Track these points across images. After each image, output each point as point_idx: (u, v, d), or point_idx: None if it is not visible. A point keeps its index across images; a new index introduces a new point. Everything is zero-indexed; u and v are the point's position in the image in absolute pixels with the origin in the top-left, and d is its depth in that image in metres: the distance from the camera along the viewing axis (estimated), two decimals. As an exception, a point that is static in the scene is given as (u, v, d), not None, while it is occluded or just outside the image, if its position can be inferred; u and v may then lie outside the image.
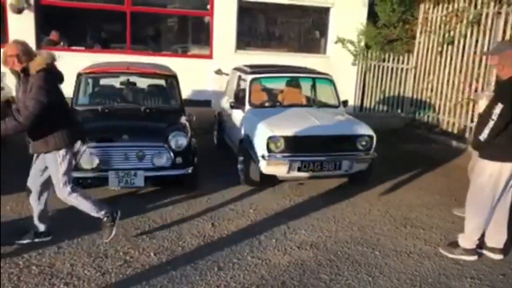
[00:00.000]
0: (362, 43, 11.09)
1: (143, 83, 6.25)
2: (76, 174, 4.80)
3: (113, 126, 5.10)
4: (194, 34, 11.70)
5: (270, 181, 5.58)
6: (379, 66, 10.84)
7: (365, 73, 11.10)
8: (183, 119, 5.58)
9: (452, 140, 8.41)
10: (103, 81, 5.98)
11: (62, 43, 10.20)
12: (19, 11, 9.29)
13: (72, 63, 9.57)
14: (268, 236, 4.30)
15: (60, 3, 10.08)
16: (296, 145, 5.24)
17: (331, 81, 6.51)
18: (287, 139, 5.20)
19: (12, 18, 9.34)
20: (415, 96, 10.13)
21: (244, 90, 6.35)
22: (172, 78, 6.01)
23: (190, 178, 5.24)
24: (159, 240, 4.12)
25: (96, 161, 4.80)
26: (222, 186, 5.57)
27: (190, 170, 5.12)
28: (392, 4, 10.43)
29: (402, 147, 8.16)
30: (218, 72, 10.63)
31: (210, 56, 10.83)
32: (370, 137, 5.45)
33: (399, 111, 10.61)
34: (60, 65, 3.86)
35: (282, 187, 5.65)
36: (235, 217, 4.71)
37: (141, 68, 6.17)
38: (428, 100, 9.72)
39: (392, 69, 10.66)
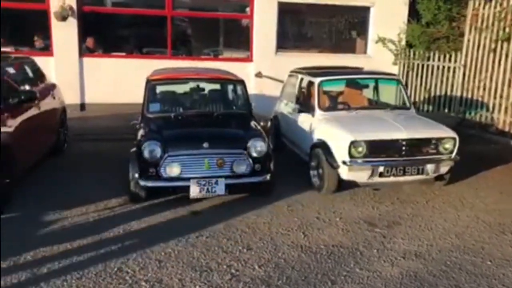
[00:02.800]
0: (403, 42, 10.89)
1: (209, 88, 6.10)
2: (158, 184, 4.71)
3: (193, 133, 4.95)
4: (233, 38, 11.56)
5: (345, 187, 5.40)
6: (423, 65, 10.58)
7: (407, 72, 10.88)
8: (255, 124, 5.42)
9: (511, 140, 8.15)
10: (170, 87, 5.84)
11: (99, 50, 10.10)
12: (64, 18, 9.22)
13: (114, 69, 9.60)
14: (367, 246, 4.11)
15: (101, 10, 10.04)
16: (378, 150, 5.05)
17: (399, 82, 6.32)
18: (369, 143, 5.01)
19: (56, 26, 9.27)
20: (464, 95, 9.85)
21: (309, 93, 6.19)
22: (240, 84, 5.86)
23: (267, 185, 5.09)
24: (257, 251, 3.95)
25: (178, 170, 4.67)
26: (295, 193, 5.40)
27: (268, 176, 4.97)
28: (437, 2, 10.20)
29: (461, 148, 7.88)
30: (258, 75, 10.49)
31: (250, 59, 10.69)
32: (454, 139, 5.25)
33: (446, 110, 10.33)
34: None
35: (358, 193, 5.45)
36: (324, 226, 4.53)
37: (211, 73, 6.03)
38: (480, 99, 9.44)
39: (438, 67, 10.40)
